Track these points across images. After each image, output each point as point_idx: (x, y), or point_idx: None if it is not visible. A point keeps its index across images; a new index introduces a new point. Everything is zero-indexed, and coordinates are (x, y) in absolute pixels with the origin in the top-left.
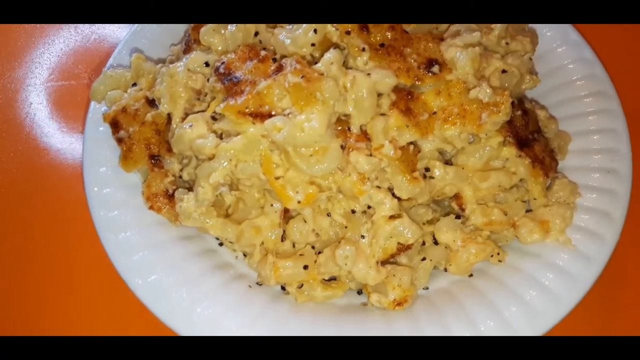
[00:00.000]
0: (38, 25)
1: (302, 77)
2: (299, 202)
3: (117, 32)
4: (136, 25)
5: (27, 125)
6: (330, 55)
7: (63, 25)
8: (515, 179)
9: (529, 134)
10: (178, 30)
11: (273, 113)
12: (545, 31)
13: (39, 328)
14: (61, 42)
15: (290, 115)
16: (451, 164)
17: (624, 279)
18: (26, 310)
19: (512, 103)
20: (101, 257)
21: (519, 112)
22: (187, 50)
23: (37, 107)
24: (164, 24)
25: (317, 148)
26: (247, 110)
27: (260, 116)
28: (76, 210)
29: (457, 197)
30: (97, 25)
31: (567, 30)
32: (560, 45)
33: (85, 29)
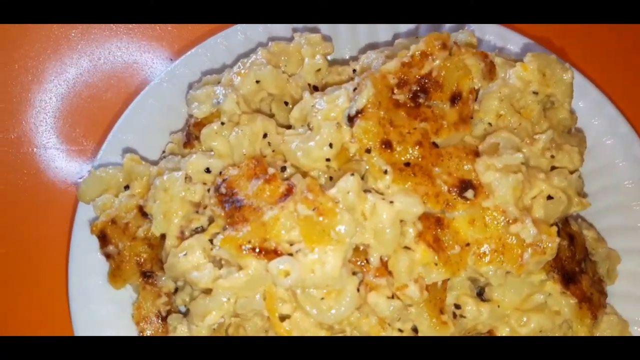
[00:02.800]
0: (35, 79)
1: (314, 209)
2: None
3: (118, 91)
4: (136, 101)
5: (21, 196)
6: (347, 182)
7: (61, 82)
8: (559, 320)
9: (576, 265)
10: (180, 108)
11: (279, 249)
12: (594, 121)
13: None
14: (57, 101)
15: (299, 253)
16: (484, 295)
17: None
18: None
19: (558, 232)
20: None
21: (565, 242)
22: (187, 144)
23: (33, 175)
24: (165, 103)
25: (329, 290)
26: (249, 244)
27: (265, 252)
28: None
29: (490, 334)
30: (96, 83)
31: (616, 121)
32: (609, 138)
33: (85, 87)
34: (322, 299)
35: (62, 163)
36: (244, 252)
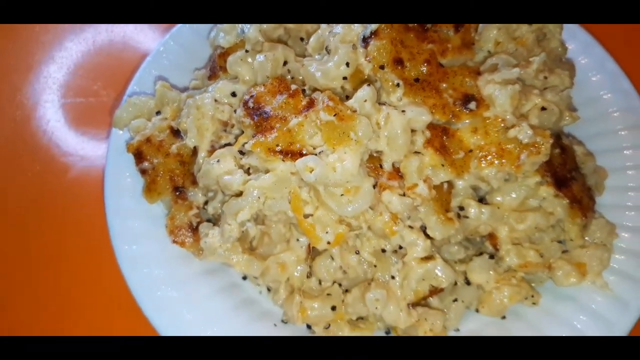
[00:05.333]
0: (55, 39)
1: (334, 115)
2: (328, 242)
3: (135, 48)
4: (158, 46)
5: (45, 145)
6: (364, 92)
7: (81, 40)
8: (553, 220)
9: (567, 173)
10: (200, 51)
11: (304, 151)
12: (580, 59)
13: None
14: (78, 57)
15: (321, 154)
16: (485, 201)
17: None
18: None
19: (551, 137)
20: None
21: (557, 150)
22: (212, 76)
23: (55, 124)
24: (186, 46)
25: (348, 187)
26: (277, 147)
27: (291, 154)
28: (97, 231)
29: (491, 236)
30: (115, 40)
31: (603, 59)
32: (595, 75)
33: (104, 43)
34: (342, 195)
35: (83, 113)
36: (273, 153)
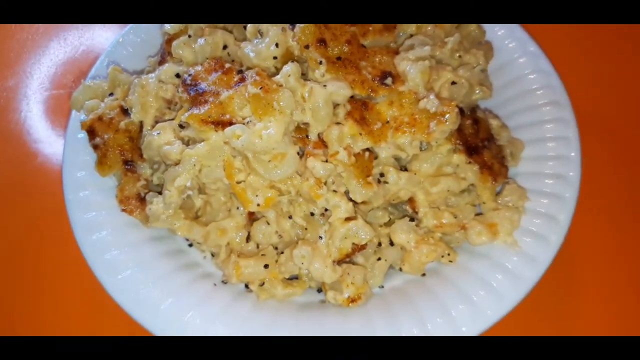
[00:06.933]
0: (30, 37)
1: (261, 88)
2: (258, 205)
3: (103, 44)
4: (118, 37)
5: (18, 132)
6: (288, 68)
7: (53, 37)
8: (464, 184)
9: (479, 142)
10: (157, 42)
11: (234, 121)
12: (507, 42)
13: (13, 327)
14: (51, 53)
15: (249, 124)
16: (406, 169)
17: (570, 279)
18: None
19: (462, 112)
20: (79, 256)
21: (469, 121)
22: (162, 62)
23: (28, 114)
24: (144, 37)
25: (275, 154)
26: (209, 118)
27: (222, 124)
28: (61, 210)
29: (411, 200)
30: (85, 36)
31: (526, 42)
32: (520, 56)
33: (75, 40)
34: (270, 161)
35: (53, 104)
36: (206, 124)
